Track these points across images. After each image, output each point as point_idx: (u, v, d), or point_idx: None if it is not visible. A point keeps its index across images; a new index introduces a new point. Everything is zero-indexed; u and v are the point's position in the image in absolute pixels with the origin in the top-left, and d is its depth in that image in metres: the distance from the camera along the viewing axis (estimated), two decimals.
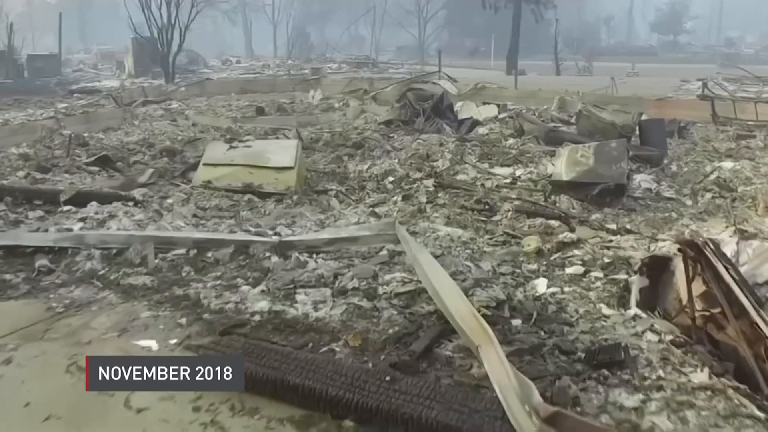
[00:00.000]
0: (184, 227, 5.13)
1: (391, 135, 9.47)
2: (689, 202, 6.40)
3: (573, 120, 11.05)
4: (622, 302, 3.79)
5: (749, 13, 69.33)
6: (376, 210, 6.14)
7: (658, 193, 6.72)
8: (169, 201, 5.93)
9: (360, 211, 6.08)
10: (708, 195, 6.52)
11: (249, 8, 52.48)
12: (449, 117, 9.94)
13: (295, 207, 5.92)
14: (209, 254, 4.44)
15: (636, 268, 3.96)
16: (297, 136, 9.31)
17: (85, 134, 9.70)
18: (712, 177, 7.12)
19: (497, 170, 7.59)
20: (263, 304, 3.63)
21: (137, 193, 6.02)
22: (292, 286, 3.87)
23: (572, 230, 5.37)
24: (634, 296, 3.67)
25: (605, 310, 3.65)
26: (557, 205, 6.29)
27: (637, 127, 8.48)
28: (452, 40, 48.12)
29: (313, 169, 7.44)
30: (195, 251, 4.46)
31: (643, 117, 9.12)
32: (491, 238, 5.21)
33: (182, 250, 4.46)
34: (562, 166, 6.72)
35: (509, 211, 6.08)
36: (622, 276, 4.16)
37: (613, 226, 5.49)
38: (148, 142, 9.55)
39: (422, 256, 3.76)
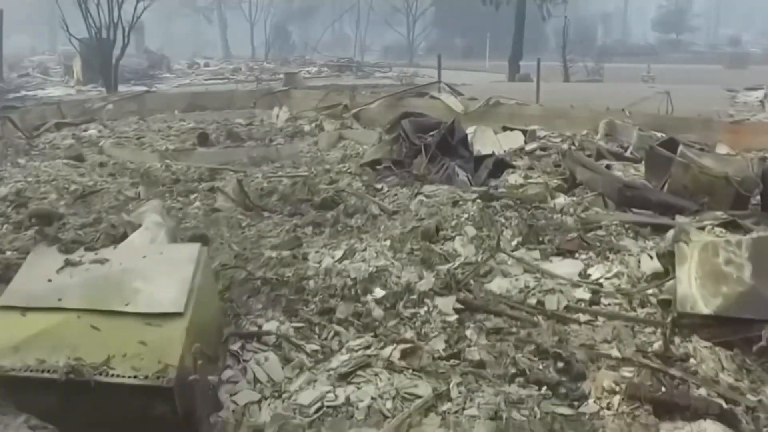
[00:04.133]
0: None
1: (380, 186, 6.42)
2: None
3: (631, 152, 8.07)
4: None
5: (743, 10, 66.95)
6: (352, 389, 3.11)
7: None
8: None
9: (320, 393, 3.06)
10: None
11: (225, 5, 49.00)
12: (463, 155, 6.88)
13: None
14: None
15: None
16: (238, 188, 6.21)
17: None
18: None
19: (555, 264, 4.58)
20: None
21: None
22: None
23: None
24: None
25: None
26: (698, 373, 3.28)
27: (761, 179, 5.50)
28: (443, 38, 45.06)
29: (244, 267, 4.36)
30: None
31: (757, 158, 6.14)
32: None
33: None
34: (691, 280, 3.70)
35: (614, 393, 3.08)
36: None
37: None
38: (21, 198, 6.44)
39: None
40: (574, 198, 5.78)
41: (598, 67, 25.08)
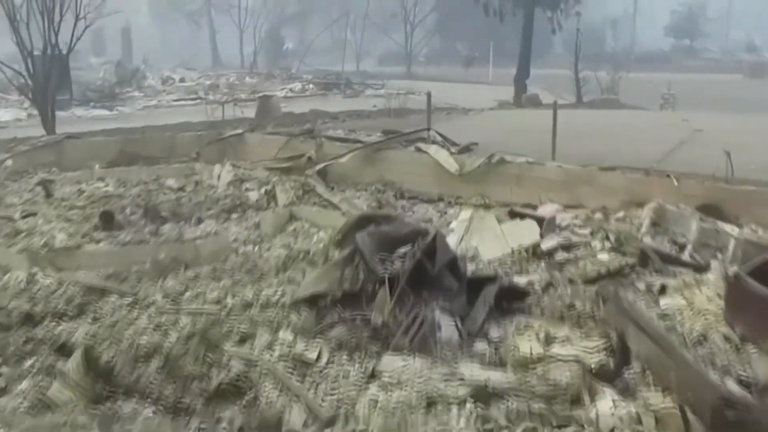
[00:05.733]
0: None
1: (314, 355, 4.06)
2: None
3: (690, 254, 5.68)
4: None
5: (755, 10, 64.19)
6: None
7: None
8: None
9: None
10: None
11: (215, 9, 46.49)
12: (449, 287, 4.54)
13: None
14: None
15: None
16: (83, 364, 3.87)
17: None
18: None
19: None
20: None
21: None
22: None
23: None
24: None
25: None
26: None
27: None
28: (444, 47, 42.59)
29: None
30: None
31: None
32: None
33: None
34: None
35: None
36: None
37: None
38: None
39: None
40: (632, 408, 3.38)
41: (613, 83, 22.62)
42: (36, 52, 13.38)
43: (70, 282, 5.39)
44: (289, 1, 47.59)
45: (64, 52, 14.51)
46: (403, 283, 4.32)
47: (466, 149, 9.70)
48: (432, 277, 4.45)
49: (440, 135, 9.21)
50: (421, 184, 8.54)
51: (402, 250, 4.63)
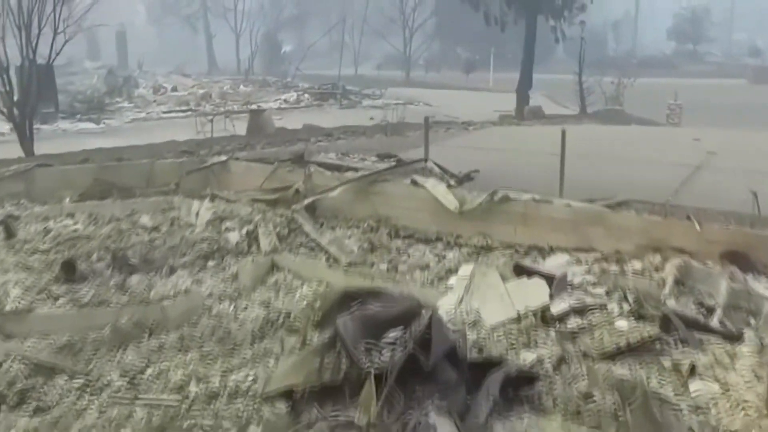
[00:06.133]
0: None
1: None
2: None
3: (720, 319, 5.03)
4: None
5: (754, 15, 63.42)
6: None
7: None
8: None
9: None
10: None
11: (211, 13, 45.72)
12: (447, 380, 3.88)
13: None
14: None
15: None
16: None
17: None
18: None
19: None
20: None
21: None
22: None
23: None
24: None
25: None
26: None
27: None
28: (444, 52, 41.87)
29: None
30: None
31: None
32: None
33: None
34: None
35: None
36: None
37: None
38: None
39: None
40: None
41: (617, 92, 21.93)
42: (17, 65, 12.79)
43: (15, 356, 4.74)
44: (287, 4, 46.86)
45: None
46: (392, 381, 3.66)
47: (467, 178, 9.05)
48: (428, 371, 3.78)
49: (438, 166, 8.53)
50: (417, 220, 7.87)
51: (392, 334, 3.97)
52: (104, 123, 18.28)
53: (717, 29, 52.25)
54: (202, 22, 45.32)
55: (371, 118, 18.17)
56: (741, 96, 32.64)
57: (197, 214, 7.78)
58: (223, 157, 9.30)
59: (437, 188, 7.65)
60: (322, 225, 8.01)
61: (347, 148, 12.07)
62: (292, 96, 22.07)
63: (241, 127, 17.00)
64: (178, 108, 20.13)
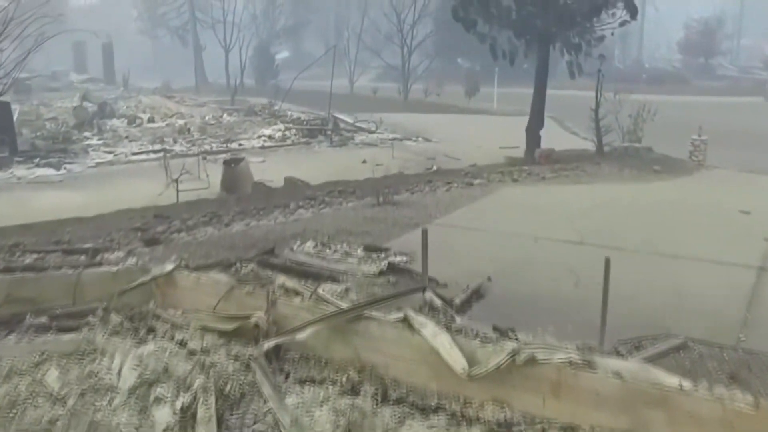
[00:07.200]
0: None
1: None
2: None
3: None
4: None
5: (759, 21, 61.45)
6: None
7: None
8: None
9: None
10: None
11: (201, 25, 43.63)
12: None
13: None
14: None
15: None
16: None
17: None
18: None
19: None
20: None
21: None
22: None
23: None
24: None
25: None
26: None
27: None
28: (444, 70, 39.94)
29: None
30: None
31: None
32: None
33: None
34: None
35: None
36: None
37: None
38: None
39: None
40: None
41: (636, 125, 19.98)
42: None
43: None
44: (280, 16, 44.89)
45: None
46: None
47: (476, 294, 7.17)
48: None
49: (439, 297, 6.61)
50: (412, 374, 5.97)
51: None
52: (65, 168, 16.36)
53: (728, 41, 50.27)
54: (191, 35, 43.21)
55: (364, 161, 16.30)
56: (760, 118, 30.83)
57: (119, 370, 5.86)
58: (169, 267, 7.39)
59: (439, 339, 5.74)
60: (287, 377, 6.12)
61: (331, 224, 10.19)
62: (278, 131, 20.01)
63: (215, 174, 15.09)
64: (150, 148, 18.20)
